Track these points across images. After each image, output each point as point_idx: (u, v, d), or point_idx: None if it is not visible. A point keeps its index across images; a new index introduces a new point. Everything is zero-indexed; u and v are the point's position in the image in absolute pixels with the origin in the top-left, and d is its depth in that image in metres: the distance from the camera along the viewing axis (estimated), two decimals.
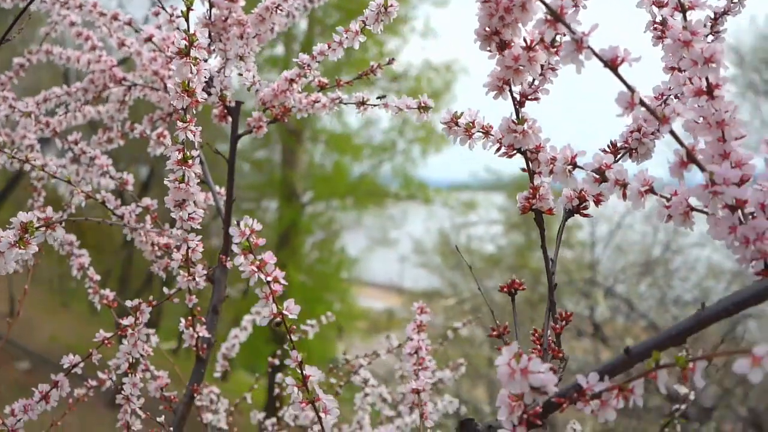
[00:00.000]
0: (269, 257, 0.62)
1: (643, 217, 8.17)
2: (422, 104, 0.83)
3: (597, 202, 0.67)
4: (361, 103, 0.96)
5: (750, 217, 0.52)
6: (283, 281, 0.63)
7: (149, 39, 1.04)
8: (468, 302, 7.69)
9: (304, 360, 0.65)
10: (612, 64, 0.51)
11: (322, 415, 0.64)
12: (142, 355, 0.98)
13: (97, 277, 1.10)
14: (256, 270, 0.62)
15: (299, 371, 0.65)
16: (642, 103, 0.50)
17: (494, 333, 0.69)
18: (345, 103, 0.97)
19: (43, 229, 0.67)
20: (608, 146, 0.69)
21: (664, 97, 0.69)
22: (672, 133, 0.51)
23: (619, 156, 0.69)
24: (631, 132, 0.68)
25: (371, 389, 1.31)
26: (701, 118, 0.54)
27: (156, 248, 1.02)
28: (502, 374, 0.50)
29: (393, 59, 1.00)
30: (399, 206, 12.05)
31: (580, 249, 8.45)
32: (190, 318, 0.95)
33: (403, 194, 11.64)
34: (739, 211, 0.53)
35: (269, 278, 0.62)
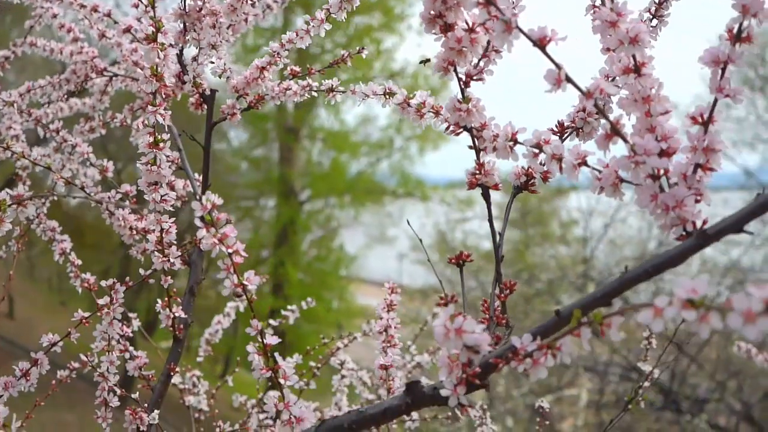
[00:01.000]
0: (230, 230, 0.66)
1: (638, 213, 8.22)
2: (387, 91, 0.86)
3: (545, 179, 0.70)
4: (330, 90, 0.99)
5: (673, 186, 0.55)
6: (243, 254, 0.66)
7: (128, 30, 1.07)
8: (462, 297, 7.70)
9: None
10: (540, 44, 0.54)
11: (281, 380, 0.68)
12: (121, 335, 1.02)
13: (79, 262, 1.13)
14: (218, 242, 0.65)
15: (260, 340, 0.68)
16: (568, 79, 0.54)
17: (442, 302, 0.72)
18: (316, 91, 1.01)
19: (15, 206, 0.70)
20: (555, 125, 0.72)
21: (609, 79, 0.72)
22: (597, 107, 0.54)
23: (566, 135, 0.72)
24: (577, 112, 0.72)
25: (348, 372, 1.35)
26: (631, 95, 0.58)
27: (134, 232, 1.05)
28: (438, 334, 0.54)
29: (363, 48, 1.03)
30: (396, 203, 12.09)
31: (576, 246, 8.50)
32: (166, 299, 0.99)
33: (401, 191, 11.67)
34: (664, 181, 0.56)
35: (230, 250, 0.65)
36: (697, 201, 0.54)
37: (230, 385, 1.39)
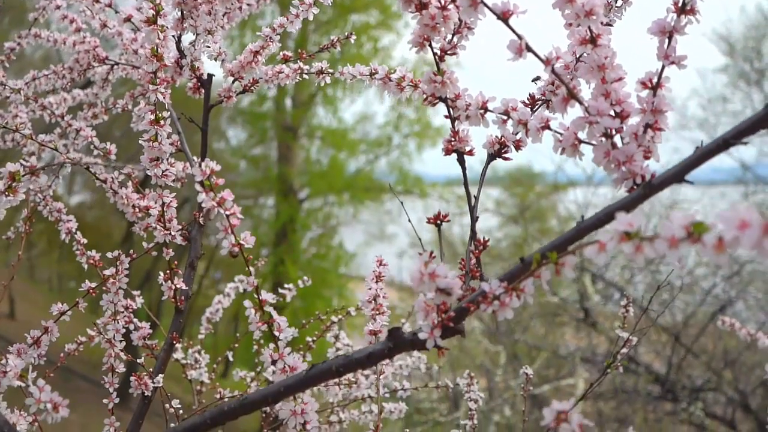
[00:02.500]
0: (228, 194, 0.72)
1: None
2: (372, 71, 0.92)
3: (517, 147, 0.76)
4: (320, 72, 1.05)
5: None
6: (240, 216, 0.72)
7: (128, 19, 1.13)
8: None
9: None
10: (504, 17, 0.60)
11: (276, 333, 0.74)
12: (125, 307, 1.08)
13: (84, 241, 1.19)
14: (217, 205, 0.71)
15: (256, 296, 0.74)
16: (528, 48, 0.60)
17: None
18: (306, 73, 1.07)
19: (29, 176, 0.76)
20: (527, 98, 0.78)
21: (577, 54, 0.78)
22: (554, 73, 0.60)
23: (537, 106, 0.78)
24: (547, 85, 0.78)
25: (344, 346, 1.41)
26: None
27: (137, 210, 1.11)
28: (413, 279, 0.60)
29: (351, 34, 1.09)
30: (395, 201, 12.14)
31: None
32: (168, 271, 1.05)
33: (400, 189, 11.73)
34: (618, 140, 0.62)
35: (228, 212, 0.71)
36: (646, 157, 0.60)
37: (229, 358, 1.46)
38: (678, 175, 0.56)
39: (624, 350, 1.14)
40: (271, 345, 0.74)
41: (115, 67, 1.29)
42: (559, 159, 9.58)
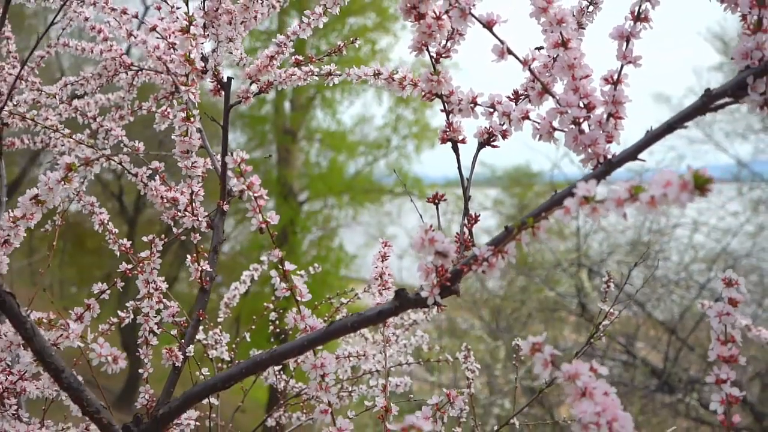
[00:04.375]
0: (256, 179, 0.84)
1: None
2: (376, 71, 1.04)
3: (503, 136, 0.88)
4: (329, 74, 1.18)
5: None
6: (266, 197, 0.84)
7: (153, 29, 1.25)
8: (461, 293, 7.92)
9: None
10: (489, 25, 0.72)
11: (298, 298, 0.86)
12: (155, 288, 1.20)
13: (116, 230, 1.32)
14: (246, 188, 0.83)
15: (281, 266, 0.87)
16: (509, 51, 0.72)
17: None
18: (317, 75, 1.19)
19: (84, 166, 0.88)
20: (512, 93, 0.90)
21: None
22: (531, 71, 0.73)
23: (520, 100, 0.90)
24: (528, 82, 0.90)
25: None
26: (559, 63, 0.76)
27: (164, 201, 1.23)
28: (416, 244, 0.72)
29: (356, 38, 1.21)
30: (395, 202, 12.25)
31: (572, 239, 8.70)
32: (195, 255, 1.17)
33: (399, 190, 11.85)
34: (586, 127, 0.74)
35: (256, 195, 0.84)
36: (608, 141, 0.73)
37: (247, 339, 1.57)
38: (632, 154, 0.68)
39: (606, 322, 1.26)
40: (294, 309, 0.86)
41: (140, 72, 1.42)
42: (555, 158, 9.70)
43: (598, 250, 7.42)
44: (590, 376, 0.61)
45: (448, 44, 0.83)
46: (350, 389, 1.42)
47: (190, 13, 0.96)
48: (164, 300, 1.24)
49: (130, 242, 1.23)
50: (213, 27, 1.17)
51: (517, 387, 1.32)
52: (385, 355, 1.07)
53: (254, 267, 1.64)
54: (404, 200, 12.04)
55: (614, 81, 0.74)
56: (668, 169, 0.52)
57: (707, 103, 0.66)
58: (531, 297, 6.90)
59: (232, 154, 0.82)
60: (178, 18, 1.21)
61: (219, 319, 1.56)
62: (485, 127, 0.88)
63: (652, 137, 0.68)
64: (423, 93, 0.84)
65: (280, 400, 1.62)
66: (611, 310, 1.31)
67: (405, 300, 0.78)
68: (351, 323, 0.80)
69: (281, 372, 1.58)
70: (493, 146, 0.89)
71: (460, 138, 0.85)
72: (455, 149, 0.86)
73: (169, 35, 1.23)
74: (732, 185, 9.02)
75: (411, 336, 1.53)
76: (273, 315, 1.61)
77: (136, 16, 1.33)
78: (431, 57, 0.83)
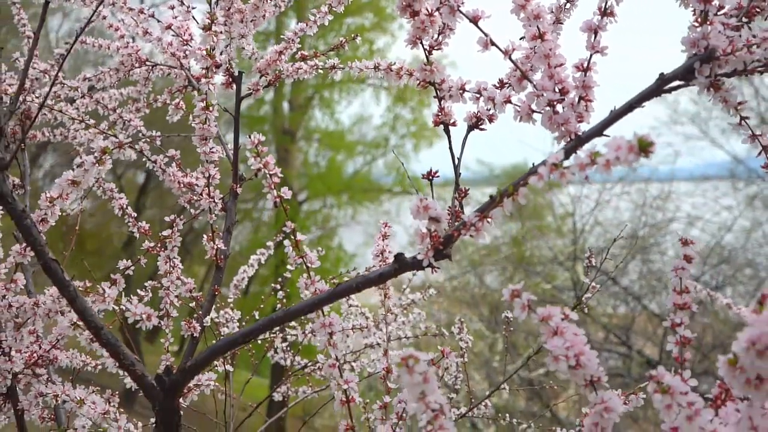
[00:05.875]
0: (271, 159, 0.94)
1: (626, 197, 8.55)
2: (376, 65, 1.15)
3: (490, 120, 0.99)
4: (333, 67, 1.28)
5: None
6: (280, 175, 0.95)
7: (169, 27, 1.36)
8: (458, 291, 8.05)
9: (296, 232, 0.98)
10: (474, 20, 0.83)
11: (309, 264, 0.97)
12: (174, 266, 1.30)
13: (135, 214, 1.42)
14: (263, 167, 0.94)
15: (293, 237, 0.97)
16: (492, 43, 0.83)
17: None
18: (321, 69, 1.30)
19: (117, 149, 0.99)
20: (498, 81, 1.01)
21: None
22: (511, 60, 0.83)
23: (504, 87, 1.01)
24: (511, 71, 1.00)
25: (353, 308, 1.64)
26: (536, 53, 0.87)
27: (181, 185, 1.34)
28: (413, 211, 0.82)
29: (357, 35, 1.32)
30: (393, 201, 12.36)
31: (570, 236, 8.83)
32: (210, 234, 1.27)
33: (398, 189, 11.95)
34: (560, 108, 0.85)
35: (271, 173, 0.94)
36: (579, 121, 0.83)
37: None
38: (598, 131, 0.79)
39: (588, 295, 1.37)
40: (304, 274, 0.97)
41: (155, 67, 1.52)
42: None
43: (595, 245, 7.55)
44: (562, 318, 0.72)
45: (440, 38, 0.94)
46: (352, 362, 1.52)
47: (212, 12, 1.07)
48: (181, 277, 1.35)
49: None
50: (226, 24, 1.27)
51: (505, 336, 1.42)
52: (386, 315, 1.17)
53: (261, 251, 1.75)
54: (403, 199, 12.15)
55: (584, 68, 0.85)
56: (620, 137, 0.62)
57: (661, 85, 0.77)
58: (529, 291, 7.01)
59: (250, 136, 0.93)
60: (191, 16, 1.32)
61: (229, 300, 1.67)
62: (473, 112, 0.99)
63: (615, 116, 0.78)
64: (418, 81, 0.94)
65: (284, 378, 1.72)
66: (593, 284, 1.41)
67: (403, 263, 0.89)
68: (356, 284, 0.90)
69: (288, 349, 1.69)
70: (481, 129, 1.00)
71: (451, 121, 0.96)
72: (447, 131, 0.97)
73: (183, 32, 1.34)
74: (729, 182, 9.15)
75: (410, 313, 1.64)
76: (281, 294, 1.71)
77: (152, 16, 1.43)
78: (425, 49, 0.93)
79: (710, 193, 8.96)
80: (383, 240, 1.31)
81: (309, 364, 1.61)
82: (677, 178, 9.19)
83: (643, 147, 0.60)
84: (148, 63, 1.54)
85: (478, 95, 0.91)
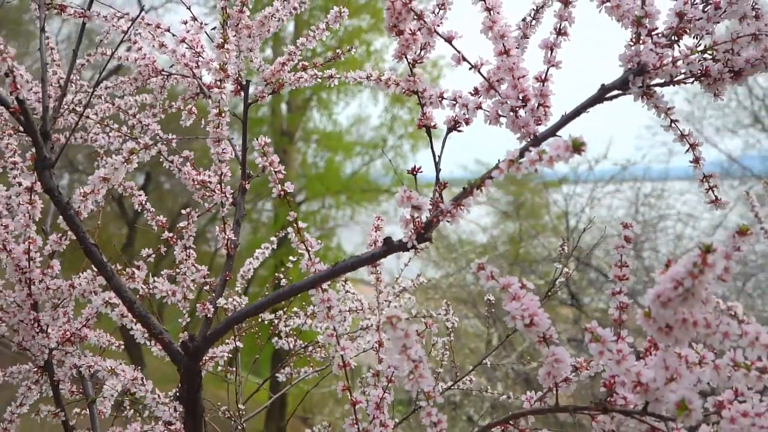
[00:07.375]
0: (275, 158, 1.10)
1: (619, 195, 8.72)
2: (368, 75, 1.30)
3: (467, 123, 1.15)
4: (331, 77, 1.44)
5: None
6: (283, 171, 1.11)
7: (183, 40, 1.52)
8: (455, 288, 8.21)
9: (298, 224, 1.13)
10: (448, 40, 0.99)
11: (309, 248, 1.12)
12: (189, 255, 1.46)
13: (152, 210, 1.57)
14: (268, 165, 1.09)
15: (295, 225, 1.13)
16: (464, 58, 0.98)
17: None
18: (320, 78, 1.45)
19: (143, 150, 1.14)
20: (473, 89, 1.17)
21: None
22: (480, 73, 0.99)
23: (478, 95, 1.16)
24: (483, 82, 1.16)
25: (350, 294, 1.79)
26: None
27: (195, 182, 1.49)
28: (398, 201, 0.98)
29: (352, 47, 1.48)
30: (391, 201, 12.50)
31: (567, 234, 8.99)
32: (221, 225, 1.43)
33: (396, 190, 12.07)
34: (522, 113, 1.01)
35: (276, 169, 1.10)
36: (537, 124, 0.99)
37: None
38: (552, 132, 0.95)
39: (561, 279, 1.52)
40: (306, 257, 1.13)
41: (169, 77, 1.68)
42: None
43: (590, 243, 7.71)
44: (519, 287, 0.87)
45: (422, 53, 1.10)
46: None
47: (225, 33, 1.23)
48: (195, 264, 1.50)
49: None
50: (235, 38, 1.43)
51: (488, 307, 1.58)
52: (378, 296, 1.33)
53: (265, 246, 1.90)
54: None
55: (542, 79, 1.00)
56: (560, 138, 0.78)
57: (602, 94, 0.93)
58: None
59: (257, 138, 1.08)
60: (203, 31, 1.47)
61: (236, 289, 1.82)
62: (451, 116, 1.14)
63: (565, 120, 0.94)
64: (403, 90, 1.10)
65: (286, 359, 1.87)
66: (567, 270, 1.57)
67: (392, 245, 1.05)
68: (351, 263, 1.06)
69: (291, 333, 1.84)
70: (458, 131, 1.15)
71: (432, 124, 1.11)
72: (428, 133, 1.12)
73: (195, 45, 1.49)
74: (723, 180, 9.32)
75: (401, 298, 1.79)
76: (284, 281, 1.87)
77: (168, 30, 1.59)
78: (408, 63, 1.09)
79: (704, 191, 9.09)
80: (376, 232, 1.47)
81: (309, 345, 1.76)
82: (671, 177, 9.36)
83: (577, 146, 0.75)
84: (163, 73, 1.69)
85: (454, 102, 1.06)
